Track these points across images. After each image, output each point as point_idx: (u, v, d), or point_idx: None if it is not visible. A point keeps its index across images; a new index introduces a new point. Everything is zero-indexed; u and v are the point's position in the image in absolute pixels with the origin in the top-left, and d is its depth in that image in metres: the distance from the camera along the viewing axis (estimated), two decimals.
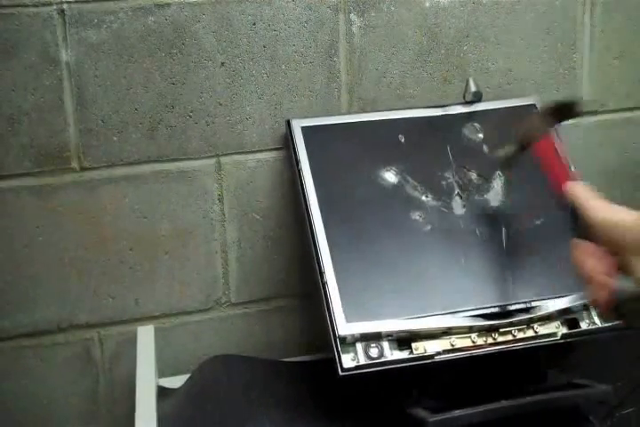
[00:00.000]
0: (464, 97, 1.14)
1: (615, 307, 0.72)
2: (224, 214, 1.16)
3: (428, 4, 1.17)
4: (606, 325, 0.97)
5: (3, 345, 1.11)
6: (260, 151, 1.16)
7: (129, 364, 1.14)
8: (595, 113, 1.30)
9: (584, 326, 0.98)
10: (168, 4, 1.07)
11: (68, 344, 1.14)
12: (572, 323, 0.98)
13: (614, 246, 0.73)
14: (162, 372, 1.11)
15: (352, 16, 1.15)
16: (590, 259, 0.75)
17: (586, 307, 0.98)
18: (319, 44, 1.14)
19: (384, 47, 1.17)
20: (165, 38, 1.08)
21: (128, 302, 1.15)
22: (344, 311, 0.92)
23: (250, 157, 1.16)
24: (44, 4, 1.03)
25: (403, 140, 1.08)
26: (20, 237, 1.09)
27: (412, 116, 1.11)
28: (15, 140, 1.06)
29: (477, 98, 1.13)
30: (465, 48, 1.21)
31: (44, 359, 1.14)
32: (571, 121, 1.02)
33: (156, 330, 1.13)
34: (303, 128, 1.08)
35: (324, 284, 0.94)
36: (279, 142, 1.16)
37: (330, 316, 0.92)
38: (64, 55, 1.05)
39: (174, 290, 1.16)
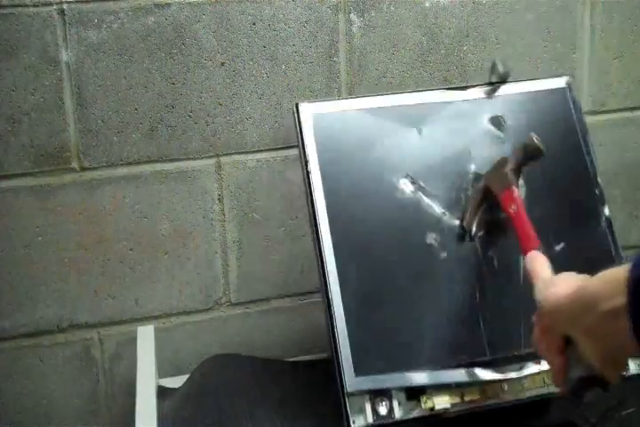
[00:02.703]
0: (489, 78, 1.04)
1: (571, 389, 0.70)
2: (224, 214, 1.16)
3: (427, 4, 1.17)
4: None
5: (3, 345, 1.11)
6: (260, 151, 1.16)
7: (129, 364, 1.14)
8: (595, 113, 1.30)
9: None
10: (168, 4, 1.07)
11: (68, 344, 1.14)
12: None
13: (558, 324, 0.69)
14: (162, 372, 1.11)
15: (352, 16, 1.15)
16: (544, 337, 0.72)
17: None
18: (319, 44, 1.14)
19: (384, 47, 1.17)
20: (165, 38, 1.08)
21: (128, 302, 1.15)
22: (353, 363, 0.88)
23: (250, 157, 1.16)
24: (44, 4, 1.03)
25: (420, 134, 0.98)
26: (20, 237, 1.09)
27: (431, 101, 0.99)
28: (15, 140, 1.06)
29: (504, 79, 1.02)
30: (465, 48, 1.21)
31: (44, 359, 1.14)
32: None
33: (156, 330, 1.13)
34: (314, 115, 0.95)
35: (334, 332, 0.89)
36: (279, 142, 1.16)
37: (339, 369, 0.88)
38: (64, 55, 1.05)
39: (174, 290, 1.16)
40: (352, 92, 1.17)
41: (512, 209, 0.91)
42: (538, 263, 0.82)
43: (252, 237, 1.18)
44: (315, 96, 1.15)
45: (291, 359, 1.16)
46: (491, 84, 1.03)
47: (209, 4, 1.09)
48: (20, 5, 1.02)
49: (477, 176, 0.98)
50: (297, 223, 1.18)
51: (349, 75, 1.17)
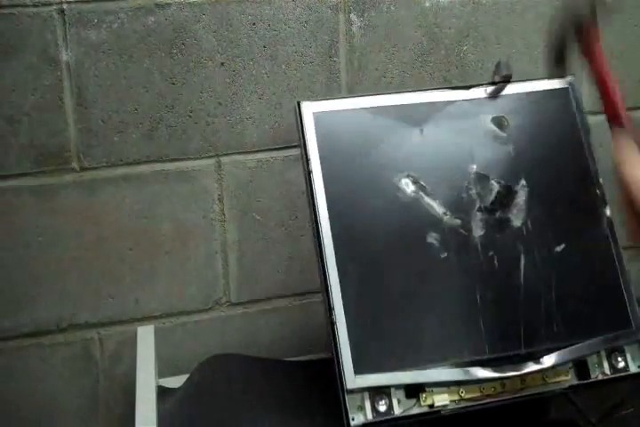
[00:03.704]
0: (493, 77, 1.03)
1: None
2: (224, 214, 1.16)
3: (427, 4, 1.17)
4: (616, 375, 0.95)
5: (3, 345, 1.11)
6: (260, 151, 1.16)
7: (129, 364, 1.14)
8: (595, 113, 1.30)
9: (594, 375, 0.94)
10: (168, 4, 1.07)
11: (68, 344, 1.14)
12: (582, 369, 0.95)
13: None
14: (162, 372, 1.11)
15: (352, 16, 1.15)
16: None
17: (597, 353, 0.94)
18: (319, 44, 1.14)
19: (384, 47, 1.17)
20: (165, 38, 1.08)
21: (128, 301, 1.15)
22: (353, 362, 0.88)
23: (250, 157, 1.16)
24: (44, 4, 1.03)
25: (422, 134, 0.97)
26: (20, 237, 1.09)
27: (433, 100, 0.98)
28: (15, 140, 1.06)
29: (507, 80, 1.02)
30: (465, 48, 1.21)
31: (45, 359, 1.14)
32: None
33: (156, 330, 1.13)
34: (315, 114, 0.93)
35: (334, 330, 0.89)
36: (279, 142, 1.16)
37: (339, 367, 0.88)
38: (64, 55, 1.05)
39: (174, 290, 1.16)
40: (352, 92, 1.17)
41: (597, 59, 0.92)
42: (624, 148, 0.81)
43: (251, 237, 1.18)
44: (315, 96, 1.15)
45: (290, 359, 1.16)
46: (494, 83, 1.02)
47: (209, 3, 1.09)
48: (20, 5, 1.02)
49: (480, 176, 0.97)
50: (297, 223, 1.18)
51: (349, 75, 1.17)
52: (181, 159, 1.13)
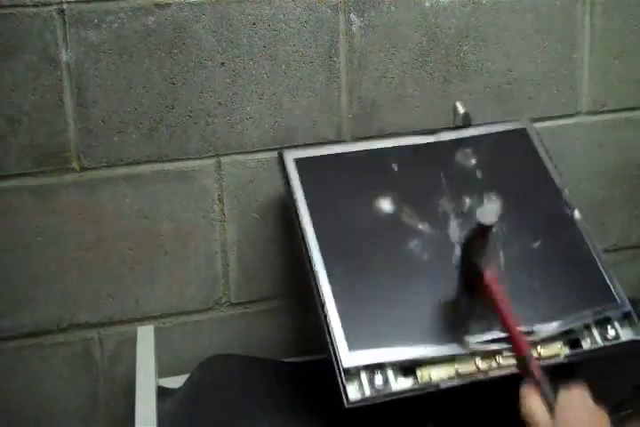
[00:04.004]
0: (453, 122, 1.12)
1: None
2: (224, 214, 1.16)
3: (427, 4, 1.17)
4: (608, 344, 0.97)
5: (3, 345, 1.12)
6: (260, 151, 1.16)
7: (129, 364, 1.14)
8: (595, 113, 1.30)
9: (586, 345, 0.97)
10: (168, 4, 1.07)
11: (68, 344, 1.14)
12: (574, 343, 0.97)
13: None
14: (162, 372, 1.11)
15: (352, 16, 1.15)
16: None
17: (587, 326, 0.98)
18: (319, 44, 1.15)
19: (384, 47, 1.17)
20: (165, 38, 1.08)
21: (128, 301, 1.15)
22: (346, 340, 0.91)
23: (250, 157, 1.16)
24: (44, 4, 1.03)
25: (396, 169, 1.07)
26: (20, 237, 1.09)
27: (403, 144, 1.10)
28: (15, 140, 1.06)
29: (467, 122, 1.11)
30: (465, 48, 1.21)
31: (45, 359, 1.14)
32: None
33: (156, 330, 1.13)
34: (296, 160, 1.06)
35: (325, 313, 0.93)
36: (279, 142, 1.16)
37: (332, 345, 0.91)
38: (64, 55, 1.05)
39: (174, 290, 1.17)
40: (352, 92, 1.17)
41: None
42: (533, 403, 0.75)
43: (251, 237, 1.18)
44: (315, 96, 1.15)
45: (290, 360, 1.16)
46: (456, 127, 1.12)
47: (209, 3, 1.09)
48: (20, 5, 1.02)
49: (453, 195, 1.06)
50: (296, 224, 1.18)
51: (349, 75, 1.17)
52: (181, 159, 1.13)
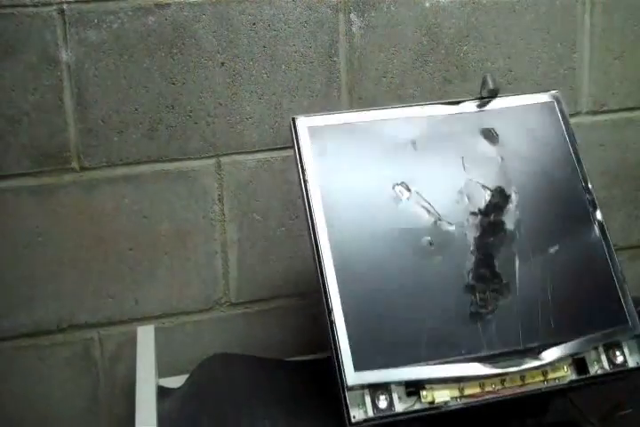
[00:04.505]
0: (480, 93, 1.06)
1: None
2: (224, 214, 1.16)
3: (427, 4, 1.17)
4: (615, 370, 0.95)
5: (2, 345, 1.11)
6: (260, 151, 1.16)
7: (129, 364, 1.14)
8: (595, 113, 1.30)
9: (593, 371, 0.95)
10: (168, 4, 1.08)
11: (68, 344, 1.14)
12: (581, 366, 0.96)
13: None
14: (162, 372, 1.11)
15: (352, 16, 1.15)
16: None
17: (595, 348, 0.96)
18: (319, 44, 1.15)
19: (384, 47, 1.17)
20: (165, 38, 1.08)
21: (128, 302, 1.15)
22: (352, 359, 0.88)
23: (250, 157, 1.16)
24: (44, 4, 1.03)
25: (415, 147, 1.00)
26: (20, 237, 1.09)
27: (425, 115, 1.01)
28: (15, 140, 1.06)
29: (494, 94, 1.04)
30: (465, 48, 1.21)
31: (44, 359, 1.14)
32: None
33: (156, 330, 1.13)
34: (310, 128, 0.97)
35: (333, 325, 0.90)
36: (279, 142, 1.16)
37: (339, 364, 0.88)
38: (64, 55, 1.05)
39: (174, 290, 1.16)
40: (352, 92, 1.17)
41: None
42: None
43: (251, 237, 1.18)
44: (315, 96, 1.15)
45: (290, 359, 1.16)
46: (481, 98, 1.04)
47: (209, 4, 1.09)
48: (20, 5, 1.02)
49: (471, 184, 0.99)
50: (297, 223, 1.18)
51: (349, 75, 1.17)
52: (181, 159, 1.13)
